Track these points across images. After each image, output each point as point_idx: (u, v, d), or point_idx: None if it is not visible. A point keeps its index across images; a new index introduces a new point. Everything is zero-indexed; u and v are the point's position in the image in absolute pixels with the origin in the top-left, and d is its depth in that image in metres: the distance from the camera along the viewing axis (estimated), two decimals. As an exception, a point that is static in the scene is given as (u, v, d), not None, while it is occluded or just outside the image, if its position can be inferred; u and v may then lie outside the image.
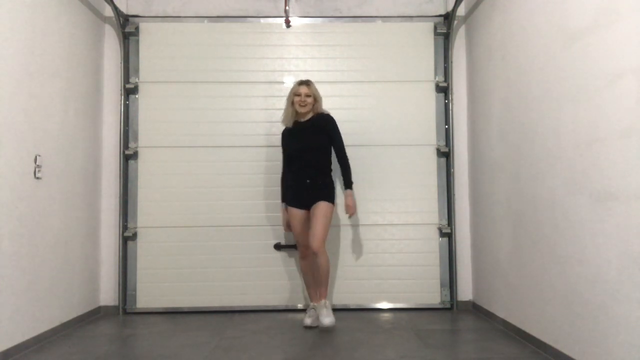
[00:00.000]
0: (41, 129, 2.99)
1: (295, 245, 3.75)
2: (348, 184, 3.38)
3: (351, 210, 3.36)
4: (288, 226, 3.44)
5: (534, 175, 2.77)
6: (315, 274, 3.28)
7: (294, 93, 3.35)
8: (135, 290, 3.79)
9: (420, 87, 3.93)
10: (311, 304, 3.38)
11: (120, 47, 3.87)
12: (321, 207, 3.24)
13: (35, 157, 2.91)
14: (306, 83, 3.36)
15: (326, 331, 3.19)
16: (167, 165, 3.85)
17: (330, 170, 3.40)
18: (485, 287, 3.56)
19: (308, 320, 3.28)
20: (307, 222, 3.32)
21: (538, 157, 2.73)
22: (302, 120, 3.39)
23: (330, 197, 3.32)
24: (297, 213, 3.33)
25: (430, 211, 3.88)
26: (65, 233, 3.26)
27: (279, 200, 3.77)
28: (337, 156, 3.40)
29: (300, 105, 3.32)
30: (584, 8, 2.30)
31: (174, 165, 3.85)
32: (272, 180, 3.84)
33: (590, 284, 2.25)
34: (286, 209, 3.41)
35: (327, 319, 3.12)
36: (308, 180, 3.28)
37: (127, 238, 3.79)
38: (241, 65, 3.92)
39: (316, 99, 3.37)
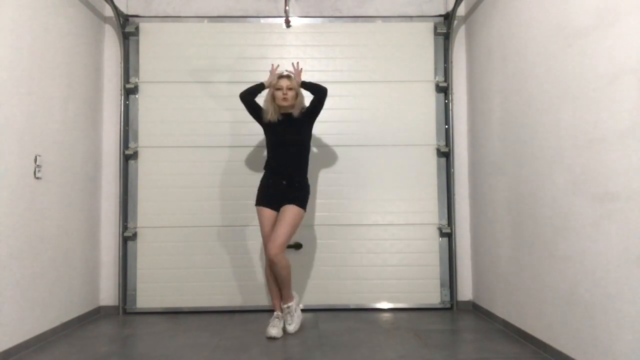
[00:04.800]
0: (41, 129, 2.99)
1: (294, 245, 3.76)
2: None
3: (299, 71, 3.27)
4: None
5: (534, 175, 2.77)
6: (277, 281, 3.14)
7: (275, 87, 3.20)
8: (135, 290, 3.78)
9: (420, 87, 3.93)
10: (276, 313, 3.19)
11: (120, 47, 3.87)
12: (291, 211, 3.08)
13: (35, 157, 2.91)
14: (287, 76, 3.23)
15: (326, 332, 3.19)
16: (167, 165, 3.85)
17: (307, 171, 3.24)
18: (485, 287, 3.56)
19: (273, 331, 3.03)
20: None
21: (538, 157, 2.73)
22: (286, 113, 3.21)
23: (303, 202, 3.16)
24: (268, 213, 3.14)
25: (430, 211, 3.88)
26: (65, 233, 3.26)
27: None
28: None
29: (282, 99, 3.16)
30: (584, 8, 2.30)
31: (174, 165, 3.85)
32: (272, 180, 3.84)
33: (590, 284, 2.26)
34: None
35: (291, 325, 3.11)
36: (284, 182, 3.14)
37: (127, 238, 3.79)
38: (241, 65, 3.92)
39: (298, 93, 3.22)
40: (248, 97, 3.28)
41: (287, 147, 3.17)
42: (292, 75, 3.27)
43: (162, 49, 3.90)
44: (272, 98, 3.21)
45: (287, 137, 3.17)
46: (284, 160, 3.17)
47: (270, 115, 3.18)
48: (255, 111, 3.28)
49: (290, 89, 3.18)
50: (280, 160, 3.18)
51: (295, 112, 3.21)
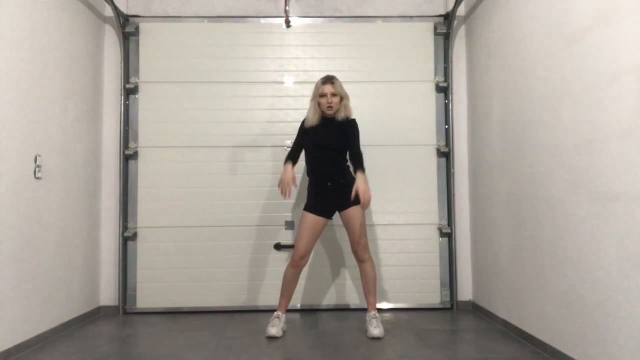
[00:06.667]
0: (41, 129, 2.99)
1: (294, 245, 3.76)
2: (361, 167, 3.00)
3: (365, 196, 2.91)
4: (290, 181, 3.02)
5: (534, 175, 2.77)
6: (363, 284, 3.13)
7: (319, 94, 3.08)
8: (135, 290, 3.79)
9: (420, 87, 3.93)
10: (277, 312, 3.12)
11: (120, 47, 3.87)
12: (356, 212, 3.04)
13: (35, 157, 2.91)
14: (330, 81, 3.07)
15: (326, 332, 3.19)
16: (167, 165, 3.85)
17: (348, 168, 3.14)
18: (485, 287, 3.56)
19: (273, 330, 3.02)
20: (320, 231, 3.11)
21: (538, 157, 2.73)
22: (327, 117, 3.11)
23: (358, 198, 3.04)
24: (315, 220, 3.06)
25: (430, 211, 3.88)
26: (65, 233, 3.26)
27: (279, 200, 3.78)
28: (351, 155, 3.09)
29: (327, 107, 3.05)
30: (584, 8, 2.30)
31: (174, 165, 3.85)
32: (273, 180, 3.84)
33: (590, 284, 2.26)
34: (292, 169, 3.05)
35: (377, 329, 2.99)
36: (329, 183, 3.07)
37: (127, 238, 3.79)
38: (241, 65, 3.92)
39: (342, 97, 3.10)
40: (293, 160, 3.14)
41: (322, 151, 3.09)
42: (336, 79, 3.12)
43: (162, 49, 3.90)
44: (317, 105, 3.09)
45: (324, 141, 3.08)
46: (321, 163, 3.10)
47: (310, 120, 3.11)
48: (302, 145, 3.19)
49: (334, 95, 3.06)
50: (318, 162, 3.10)
51: (339, 116, 3.10)
